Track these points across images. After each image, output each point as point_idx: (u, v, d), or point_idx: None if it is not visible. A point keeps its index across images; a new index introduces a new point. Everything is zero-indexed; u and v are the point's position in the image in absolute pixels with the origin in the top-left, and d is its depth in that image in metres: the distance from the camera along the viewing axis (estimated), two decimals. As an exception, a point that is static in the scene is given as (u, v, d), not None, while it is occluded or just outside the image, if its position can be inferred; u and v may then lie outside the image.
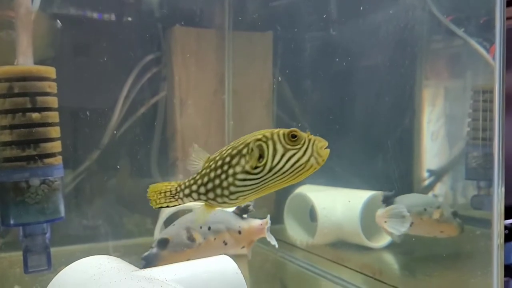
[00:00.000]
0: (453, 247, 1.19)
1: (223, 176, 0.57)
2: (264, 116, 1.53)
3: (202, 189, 0.60)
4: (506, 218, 1.44)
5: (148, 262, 0.76)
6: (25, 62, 0.80)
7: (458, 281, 0.93)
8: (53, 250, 1.21)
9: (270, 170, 0.55)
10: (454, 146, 1.50)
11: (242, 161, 0.56)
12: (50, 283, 0.57)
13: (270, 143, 0.56)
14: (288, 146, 0.55)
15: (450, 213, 0.92)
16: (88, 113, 1.39)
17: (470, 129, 1.23)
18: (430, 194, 1.30)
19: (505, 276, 0.98)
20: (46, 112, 0.78)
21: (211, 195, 0.59)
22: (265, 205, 1.51)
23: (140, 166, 1.45)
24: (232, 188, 0.56)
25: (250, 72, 1.51)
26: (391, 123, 1.56)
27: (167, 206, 0.66)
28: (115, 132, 1.39)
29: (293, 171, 0.55)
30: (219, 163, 0.58)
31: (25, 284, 0.90)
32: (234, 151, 0.58)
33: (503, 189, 1.04)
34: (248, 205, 0.90)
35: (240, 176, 0.56)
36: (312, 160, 0.56)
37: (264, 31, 1.51)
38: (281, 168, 0.54)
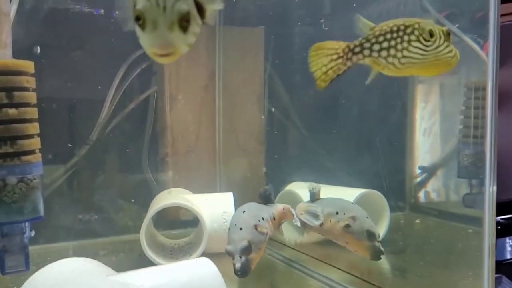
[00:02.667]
0: (444, 246, 1.18)
1: (399, 39, 0.67)
2: (255, 111, 1.51)
3: (376, 47, 0.70)
4: (499, 214, 1.44)
5: (245, 272, 0.75)
6: (3, 55, 0.77)
7: (449, 282, 0.92)
8: (39, 247, 1.21)
9: (436, 48, 0.68)
10: (447, 143, 1.49)
11: (416, 32, 0.68)
12: (22, 286, 0.55)
13: (437, 29, 0.69)
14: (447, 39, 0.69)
15: (364, 230, 0.83)
16: (77, 108, 1.37)
17: (462, 127, 1.21)
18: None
19: (497, 273, 0.96)
20: (23, 108, 0.75)
21: (383, 53, 0.69)
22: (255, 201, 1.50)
23: (130, 162, 1.43)
24: (405, 52, 0.67)
25: (241, 67, 1.48)
26: (383, 119, 1.55)
27: (330, 69, 0.76)
28: (104, 128, 1.37)
29: (447, 57, 0.69)
30: (395, 28, 0.68)
31: (5, 283, 0.89)
32: (405, 25, 0.69)
33: (495, 188, 1.02)
34: (270, 193, 0.95)
35: (414, 43, 0.67)
36: (455, 57, 0.71)
37: (255, 26, 1.49)
38: (442, 50, 0.68)
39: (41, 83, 1.32)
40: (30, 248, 1.20)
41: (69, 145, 1.36)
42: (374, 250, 0.83)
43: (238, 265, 0.74)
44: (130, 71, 1.41)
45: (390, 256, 1.04)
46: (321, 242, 1.15)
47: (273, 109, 1.53)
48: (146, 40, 0.57)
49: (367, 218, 0.87)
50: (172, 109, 1.41)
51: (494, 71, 0.99)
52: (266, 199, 0.94)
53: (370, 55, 0.72)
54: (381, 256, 0.83)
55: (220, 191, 1.44)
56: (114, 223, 1.36)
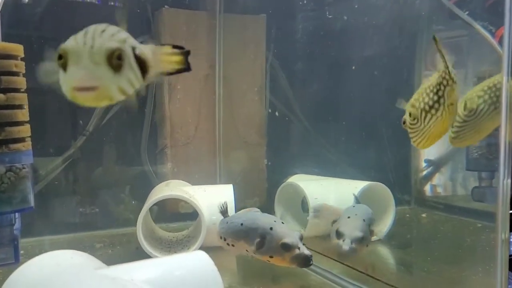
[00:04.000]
0: (452, 241, 1.14)
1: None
2: (256, 102, 1.47)
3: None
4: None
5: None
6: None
7: (458, 278, 0.88)
8: (34, 239, 1.18)
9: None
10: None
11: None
12: (6, 281, 0.51)
13: None
14: None
15: (278, 245, 0.76)
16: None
17: (472, 117, 1.17)
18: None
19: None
20: (12, 93, 0.72)
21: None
22: (257, 195, 1.46)
23: (128, 154, 1.39)
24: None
25: (242, 57, 1.44)
26: (388, 110, 1.50)
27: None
28: (101, 118, 1.33)
29: None
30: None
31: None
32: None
33: (509, 181, 0.99)
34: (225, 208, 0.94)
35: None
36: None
37: (257, 14, 1.44)
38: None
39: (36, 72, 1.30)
40: (24, 240, 1.18)
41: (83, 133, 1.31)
42: (298, 260, 0.77)
43: (345, 248, 0.81)
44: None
45: (396, 251, 1.00)
46: (324, 236, 1.12)
47: (276, 113, 1.49)
48: (66, 79, 0.48)
49: (272, 228, 0.80)
50: (171, 100, 1.38)
51: (509, 59, 0.95)
52: (223, 214, 0.92)
53: None
54: (311, 262, 0.77)
55: (220, 184, 1.40)
56: (112, 215, 1.33)
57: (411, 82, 1.53)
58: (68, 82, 0.48)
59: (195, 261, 0.53)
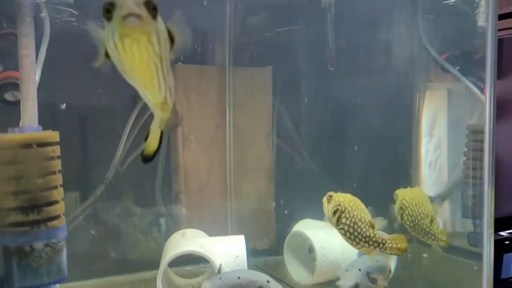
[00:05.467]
0: (453, 285, 1.20)
1: None
2: (264, 147, 1.56)
3: None
4: (507, 228, 1.46)
5: None
6: (29, 123, 0.83)
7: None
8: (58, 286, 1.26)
9: None
10: (452, 177, 1.52)
11: None
12: None
13: None
14: None
15: None
16: (93, 149, 1.43)
17: (465, 168, 1.25)
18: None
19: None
20: (49, 176, 0.81)
21: None
22: (266, 236, 1.55)
23: (145, 200, 1.48)
24: None
25: (251, 106, 1.53)
26: (390, 151, 1.59)
27: None
28: (119, 167, 1.43)
29: None
30: None
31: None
32: None
33: (492, 230, 1.07)
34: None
35: None
36: None
37: (264, 66, 1.54)
38: None
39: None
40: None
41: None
42: None
43: None
44: (144, 110, 1.47)
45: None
46: (332, 283, 1.19)
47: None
48: (115, 21, 0.56)
49: (269, 282, 0.90)
50: (184, 149, 1.47)
51: (491, 115, 1.03)
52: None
53: None
54: None
55: (231, 227, 1.49)
56: (130, 260, 1.41)
57: (410, 124, 1.61)
58: (117, 16, 0.55)
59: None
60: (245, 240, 1.17)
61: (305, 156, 1.60)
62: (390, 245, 0.97)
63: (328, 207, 0.99)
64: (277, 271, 1.32)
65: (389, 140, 1.50)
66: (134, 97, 1.43)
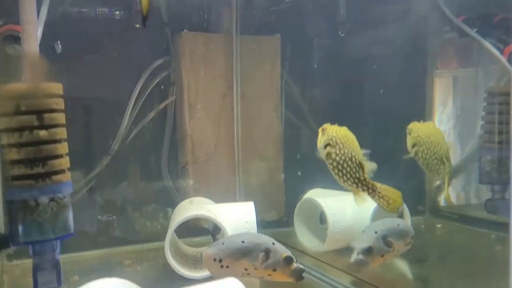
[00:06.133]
0: (467, 254, 1.17)
1: None
2: (273, 119, 1.52)
3: None
4: None
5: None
6: (32, 76, 0.80)
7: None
8: (64, 257, 1.23)
9: None
10: (467, 148, 1.48)
11: None
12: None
13: None
14: None
15: (281, 259, 0.84)
16: (98, 119, 1.40)
17: (484, 132, 1.21)
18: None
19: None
20: (53, 129, 0.78)
21: None
22: (275, 208, 1.51)
23: (151, 171, 1.46)
24: None
25: (259, 75, 1.49)
26: (402, 123, 1.55)
27: None
28: (125, 137, 1.40)
29: None
30: None
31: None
32: None
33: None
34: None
35: None
36: None
37: (272, 34, 1.50)
38: None
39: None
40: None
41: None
42: (296, 273, 0.85)
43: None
44: (149, 81, 1.43)
45: (413, 265, 1.04)
46: (343, 251, 1.16)
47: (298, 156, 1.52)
48: None
49: (274, 244, 0.87)
50: (191, 119, 1.43)
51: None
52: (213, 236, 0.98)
53: None
54: (303, 275, 0.86)
55: (240, 198, 1.46)
56: (138, 231, 1.38)
57: (423, 94, 1.57)
58: None
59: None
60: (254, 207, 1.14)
61: (314, 127, 1.56)
62: (380, 194, 0.93)
63: (320, 139, 0.96)
64: (287, 241, 1.29)
65: (401, 110, 1.46)
66: (139, 73, 1.40)
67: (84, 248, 1.29)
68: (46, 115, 0.77)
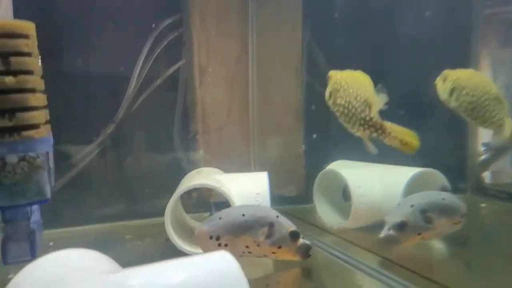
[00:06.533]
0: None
1: None
2: (292, 84, 1.38)
3: None
4: None
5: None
6: (3, 15, 0.68)
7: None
8: (62, 230, 1.14)
9: None
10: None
11: None
12: (8, 284, 0.45)
13: None
14: None
15: (287, 234, 0.74)
16: (102, 84, 1.28)
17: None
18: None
19: None
20: (22, 76, 0.66)
21: None
22: (294, 183, 1.38)
23: (158, 140, 1.34)
24: None
25: (277, 35, 1.34)
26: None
27: None
28: (131, 104, 1.28)
29: None
30: None
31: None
32: None
33: None
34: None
35: None
36: None
37: (292, -12, 1.34)
38: None
39: (62, 57, 1.26)
40: (52, 231, 1.15)
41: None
42: (302, 250, 0.75)
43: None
44: (158, 42, 1.30)
45: (454, 246, 0.88)
46: (369, 228, 1.02)
47: (314, 136, 1.39)
48: None
49: (278, 217, 0.76)
50: (202, 83, 1.30)
51: None
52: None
53: None
54: (310, 253, 0.75)
55: (254, 172, 1.32)
56: (143, 205, 1.27)
57: (467, 59, 1.38)
58: None
59: (219, 265, 0.45)
60: (268, 178, 1.01)
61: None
62: (391, 134, 0.84)
63: (326, 90, 0.88)
64: (307, 218, 1.16)
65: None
66: (145, 34, 1.27)
67: (84, 222, 1.20)
68: (13, 59, 0.65)
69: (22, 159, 0.66)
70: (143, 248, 1.01)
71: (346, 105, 0.83)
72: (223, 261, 0.46)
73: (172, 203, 0.93)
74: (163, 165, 1.34)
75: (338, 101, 0.83)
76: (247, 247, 0.74)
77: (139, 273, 0.44)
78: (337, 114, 0.86)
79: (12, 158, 0.65)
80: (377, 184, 1.03)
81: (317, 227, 1.09)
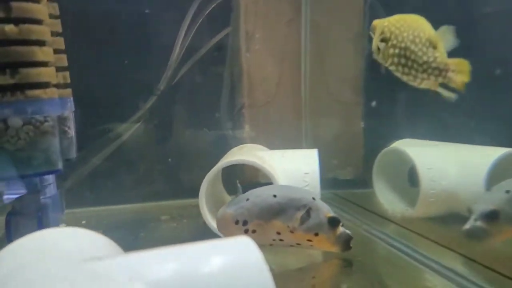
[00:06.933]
0: None
1: None
2: (350, 53, 1.21)
3: None
4: None
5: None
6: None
7: None
8: (98, 209, 1.08)
9: None
10: None
11: None
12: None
13: None
14: None
15: (325, 220, 0.64)
16: (142, 54, 1.19)
17: None
18: None
19: None
20: (27, 25, 0.56)
21: None
22: (350, 164, 1.22)
23: (202, 116, 1.23)
24: None
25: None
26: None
27: None
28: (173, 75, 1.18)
29: None
30: None
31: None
32: None
33: None
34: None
35: None
36: None
37: None
38: None
39: (102, 27, 1.18)
40: (86, 210, 1.09)
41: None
42: (342, 239, 0.65)
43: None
44: (202, 8, 1.18)
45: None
46: (439, 218, 0.85)
47: (373, 103, 1.22)
48: None
49: (315, 199, 0.66)
50: (249, 51, 1.18)
51: None
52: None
53: None
54: (351, 244, 0.66)
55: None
56: (182, 184, 1.18)
57: None
58: None
59: (235, 255, 0.33)
60: (319, 157, 0.86)
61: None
62: (455, 70, 0.67)
63: (373, 44, 0.72)
64: (365, 205, 1.01)
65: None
66: (186, 7, 1.17)
67: (121, 200, 1.12)
68: (15, 4, 0.55)
69: (28, 122, 0.57)
70: (177, 230, 0.91)
71: (402, 53, 0.67)
72: (240, 249, 0.33)
73: (207, 183, 0.82)
74: (206, 142, 1.23)
75: (391, 51, 0.68)
76: (278, 233, 0.63)
77: (132, 260, 0.32)
78: (393, 69, 0.70)
79: (15, 121, 0.56)
80: (451, 167, 0.86)
81: (377, 215, 0.94)
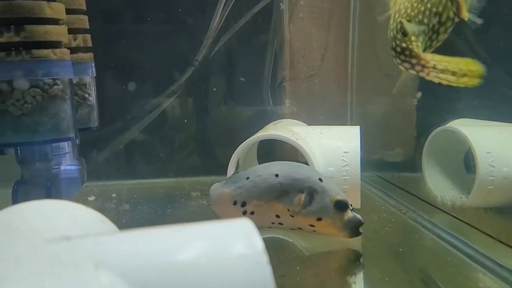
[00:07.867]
0: None
1: None
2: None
3: None
4: None
5: None
6: None
7: None
8: (128, 183, 1.05)
9: None
10: None
11: None
12: None
13: None
14: None
15: (332, 203, 0.58)
16: (179, 22, 1.13)
17: None
18: None
19: None
20: (33, -23, 0.52)
21: None
22: (400, 144, 1.12)
23: (241, 88, 1.17)
24: None
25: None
26: None
27: None
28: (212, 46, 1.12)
29: None
30: None
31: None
32: None
33: None
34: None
35: None
36: None
37: None
38: None
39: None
40: (118, 183, 1.07)
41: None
42: (351, 225, 0.59)
43: None
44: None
45: None
46: (496, 209, 0.74)
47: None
48: None
49: (322, 180, 0.60)
50: (292, 19, 1.09)
51: None
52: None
53: None
54: (361, 230, 0.60)
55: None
56: (217, 160, 1.13)
57: None
58: None
59: (228, 242, 0.26)
60: (361, 133, 0.77)
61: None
62: (436, 68, 0.66)
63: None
64: (414, 190, 0.91)
65: None
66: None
67: (154, 175, 1.09)
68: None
69: (35, 85, 0.53)
70: (205, 208, 0.86)
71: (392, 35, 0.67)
72: (239, 233, 0.26)
73: (236, 158, 0.76)
74: (245, 116, 1.17)
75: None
76: (277, 216, 0.58)
77: (101, 244, 0.27)
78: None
79: (21, 83, 0.52)
80: (517, 149, 0.74)
81: (426, 202, 0.84)
